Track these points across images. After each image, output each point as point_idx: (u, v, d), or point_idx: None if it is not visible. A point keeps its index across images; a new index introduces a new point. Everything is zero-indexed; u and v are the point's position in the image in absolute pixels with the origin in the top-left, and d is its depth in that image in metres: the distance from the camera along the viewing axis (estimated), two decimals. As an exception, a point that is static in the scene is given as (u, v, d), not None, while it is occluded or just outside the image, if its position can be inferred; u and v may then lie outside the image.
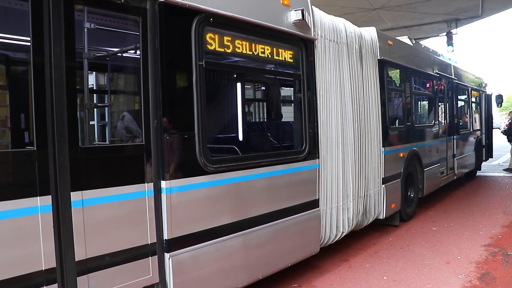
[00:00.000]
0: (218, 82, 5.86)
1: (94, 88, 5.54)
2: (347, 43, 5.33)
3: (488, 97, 13.65)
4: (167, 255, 3.23)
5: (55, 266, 2.66)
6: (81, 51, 3.12)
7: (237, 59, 4.49)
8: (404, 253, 5.63)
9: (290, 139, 5.31)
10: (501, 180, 11.95)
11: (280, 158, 4.37)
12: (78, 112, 2.96)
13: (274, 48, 4.27)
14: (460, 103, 10.95)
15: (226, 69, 5.63)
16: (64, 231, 2.70)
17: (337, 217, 5.08)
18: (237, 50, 3.87)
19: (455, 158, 9.87)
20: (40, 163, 2.61)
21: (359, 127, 5.53)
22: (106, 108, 5.40)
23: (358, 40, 5.65)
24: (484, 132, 13.04)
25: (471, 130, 11.56)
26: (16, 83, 4.06)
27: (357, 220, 5.52)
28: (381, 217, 6.21)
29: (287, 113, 6.78)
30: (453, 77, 10.02)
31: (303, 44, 4.57)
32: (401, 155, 6.91)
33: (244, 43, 3.91)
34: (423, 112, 9.61)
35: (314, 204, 4.70)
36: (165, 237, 3.22)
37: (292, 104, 5.28)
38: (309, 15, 4.59)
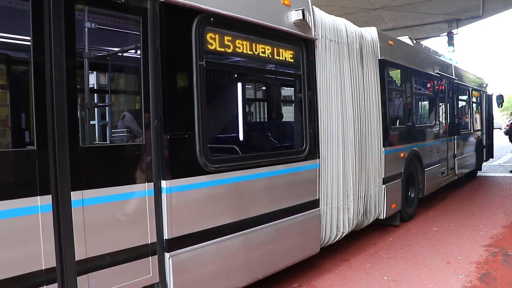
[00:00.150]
0: (218, 82, 5.86)
1: (95, 87, 5.54)
2: (347, 43, 5.33)
3: (489, 97, 13.63)
4: (167, 255, 3.23)
5: (55, 265, 2.66)
6: (81, 51, 3.12)
7: (237, 59, 4.48)
8: (404, 253, 5.62)
9: (290, 139, 5.32)
10: (501, 180, 11.94)
11: (281, 158, 4.37)
12: (78, 112, 2.96)
13: (275, 48, 4.27)
14: (461, 103, 10.94)
15: (226, 69, 5.63)
16: (64, 230, 2.70)
17: (337, 217, 5.08)
18: (238, 50, 3.87)
19: (455, 158, 9.86)
20: (40, 163, 2.61)
21: (360, 127, 5.53)
22: (106, 108, 5.41)
23: (359, 40, 5.65)
24: (485, 132, 13.03)
25: (472, 130, 11.56)
26: (17, 83, 4.06)
27: (358, 220, 5.52)
28: (381, 217, 6.21)
29: (288, 113, 6.78)
30: (453, 77, 10.01)
31: (303, 44, 4.57)
32: (402, 155, 6.91)
33: (244, 43, 3.91)
34: (423, 112, 9.60)
35: (315, 204, 4.70)
36: (165, 236, 3.22)
37: (293, 104, 5.28)
38: (310, 15, 4.59)
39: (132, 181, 3.09)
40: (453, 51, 16.59)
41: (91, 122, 5.24)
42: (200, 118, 3.44)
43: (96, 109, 5.31)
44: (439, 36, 18.35)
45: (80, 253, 2.77)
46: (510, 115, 15.24)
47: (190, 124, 3.40)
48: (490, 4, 14.75)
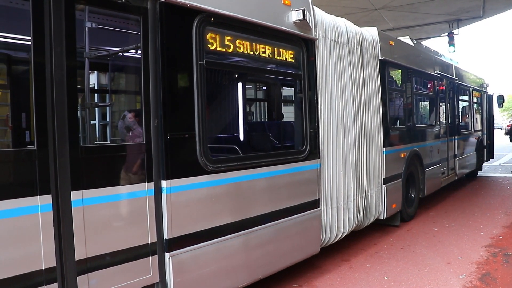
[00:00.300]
0: (219, 82, 5.86)
1: (95, 87, 5.54)
2: (348, 43, 5.32)
3: (490, 98, 13.63)
4: (167, 255, 3.23)
5: (55, 265, 2.66)
6: (82, 51, 3.12)
7: (238, 59, 4.48)
8: (405, 253, 5.62)
9: (291, 139, 5.32)
10: (502, 180, 11.93)
11: (281, 158, 4.36)
12: (79, 112, 2.96)
13: (275, 48, 4.26)
14: (462, 104, 10.93)
15: (227, 69, 5.63)
16: (64, 230, 2.70)
17: (337, 217, 5.08)
18: (238, 50, 3.87)
19: (456, 159, 9.86)
20: (41, 162, 2.61)
21: (360, 127, 5.52)
22: (107, 108, 5.41)
23: (359, 40, 5.64)
24: (485, 132, 13.03)
25: (472, 130, 11.55)
26: (17, 83, 4.06)
27: (358, 220, 5.52)
28: (382, 217, 6.21)
29: (288, 113, 6.78)
30: (454, 77, 10.01)
31: (304, 44, 4.56)
32: (402, 155, 6.90)
33: (245, 43, 3.91)
34: (424, 113, 9.59)
35: (315, 204, 4.70)
36: (166, 236, 3.22)
37: (293, 104, 5.28)
38: (310, 15, 4.59)
39: (132, 181, 3.09)
40: (454, 51, 16.57)
41: (92, 122, 5.24)
42: (200, 118, 3.44)
43: (96, 108, 5.31)
44: (439, 36, 18.34)
45: (80, 253, 2.77)
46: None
47: (190, 124, 3.40)
48: (490, 4, 14.74)
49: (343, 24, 5.37)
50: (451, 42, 16.61)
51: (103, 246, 2.90)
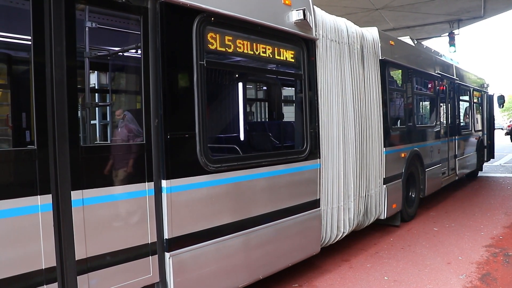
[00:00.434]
0: (219, 81, 5.86)
1: (95, 87, 5.54)
2: (348, 43, 5.32)
3: (490, 98, 13.62)
4: (167, 255, 3.23)
5: (55, 265, 2.66)
6: (82, 50, 3.12)
7: (238, 58, 4.48)
8: (405, 253, 5.62)
9: (291, 139, 5.32)
10: (502, 181, 11.92)
11: (281, 158, 4.36)
12: (79, 111, 2.96)
13: (276, 48, 4.26)
14: (462, 104, 10.93)
15: (227, 69, 5.63)
16: (65, 230, 2.70)
17: (338, 217, 5.08)
18: (238, 50, 3.86)
19: (456, 159, 9.85)
20: (41, 162, 2.61)
21: (360, 127, 5.52)
22: (107, 107, 5.41)
23: (360, 40, 5.64)
24: (485, 132, 13.02)
25: (473, 130, 11.54)
26: (17, 82, 4.06)
27: (358, 220, 5.51)
28: (382, 217, 6.20)
29: (289, 113, 6.78)
30: (455, 77, 10.00)
31: (304, 44, 4.56)
32: (403, 155, 6.90)
33: (245, 42, 3.91)
34: (424, 113, 9.59)
35: (315, 204, 4.70)
36: (166, 236, 3.22)
37: (294, 104, 5.28)
38: (311, 15, 4.59)
39: (133, 181, 3.08)
40: (454, 51, 16.56)
41: (92, 122, 5.24)
42: (201, 118, 3.43)
43: (97, 108, 5.31)
44: (440, 36, 18.33)
45: (80, 253, 2.77)
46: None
47: (190, 123, 3.40)
48: (491, 5, 14.73)
49: (344, 24, 5.37)
50: (451, 42, 16.60)
51: (103, 246, 2.90)
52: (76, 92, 2.84)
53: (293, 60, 4.50)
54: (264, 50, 4.13)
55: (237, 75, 5.91)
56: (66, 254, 2.70)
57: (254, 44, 4.01)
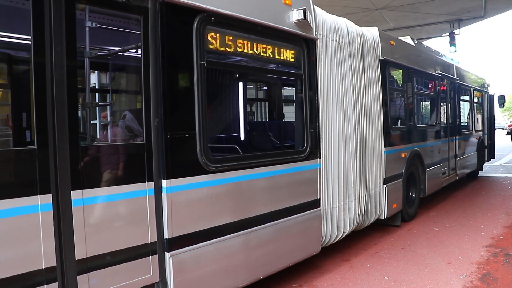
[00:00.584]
0: (219, 81, 5.86)
1: (96, 87, 5.54)
2: (349, 43, 5.32)
3: (491, 98, 13.61)
4: (167, 254, 3.23)
5: (55, 264, 2.66)
6: (82, 50, 3.12)
7: (238, 58, 4.48)
8: (405, 253, 5.62)
9: (291, 139, 5.32)
10: (503, 181, 11.92)
11: (281, 157, 4.36)
12: (79, 111, 2.96)
13: (276, 48, 4.26)
14: (462, 104, 10.92)
15: (227, 69, 5.63)
16: (65, 230, 2.70)
17: (338, 217, 5.08)
18: (239, 50, 3.86)
19: (457, 159, 9.85)
20: (41, 162, 2.61)
21: (361, 127, 5.52)
22: (107, 107, 5.40)
23: (360, 40, 5.64)
24: (486, 132, 13.01)
25: (473, 130, 11.54)
26: (18, 82, 4.06)
27: (358, 220, 5.51)
28: (382, 217, 6.20)
29: (289, 113, 6.78)
30: (455, 77, 10.00)
31: (305, 44, 4.56)
32: (403, 155, 6.90)
33: (245, 42, 3.91)
34: (425, 113, 9.59)
35: (315, 204, 4.70)
36: (166, 236, 3.22)
37: (294, 104, 5.28)
38: (311, 15, 4.59)
39: (133, 181, 3.08)
40: (455, 51, 16.57)
41: (92, 122, 5.24)
42: (201, 118, 3.43)
43: (97, 108, 5.31)
44: (440, 36, 18.32)
45: (80, 252, 2.77)
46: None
47: (190, 123, 3.40)
48: (492, 4, 14.72)
49: (344, 24, 5.37)
50: (452, 42, 16.60)
51: (103, 246, 2.90)
52: (76, 92, 2.84)
53: (293, 60, 4.50)
54: (264, 50, 4.13)
55: (237, 75, 5.91)
56: (66, 254, 2.70)
57: (255, 44, 4.01)
